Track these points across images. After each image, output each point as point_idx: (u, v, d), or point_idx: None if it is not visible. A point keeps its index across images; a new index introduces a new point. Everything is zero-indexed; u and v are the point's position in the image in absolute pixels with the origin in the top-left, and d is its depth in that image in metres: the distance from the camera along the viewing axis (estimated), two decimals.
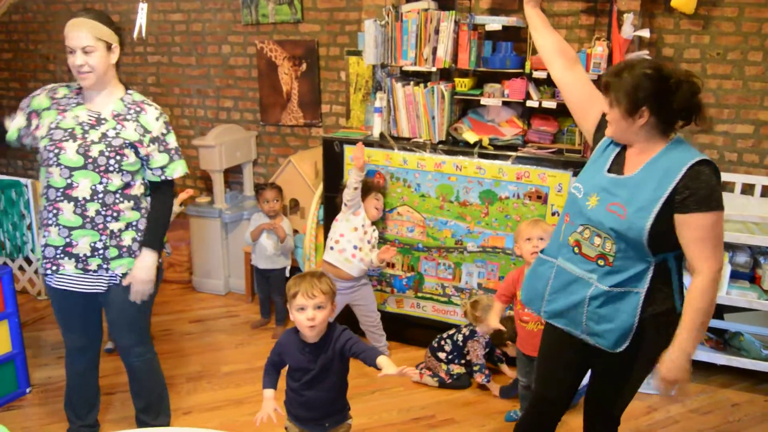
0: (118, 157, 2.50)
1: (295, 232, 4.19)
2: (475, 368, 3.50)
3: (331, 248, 3.60)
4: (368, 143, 3.73)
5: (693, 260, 1.98)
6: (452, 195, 3.59)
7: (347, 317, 3.72)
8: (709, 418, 3.30)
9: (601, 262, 2.09)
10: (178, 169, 2.69)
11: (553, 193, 3.38)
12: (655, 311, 2.07)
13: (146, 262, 2.63)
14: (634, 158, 2.08)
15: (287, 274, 4.07)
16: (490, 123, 3.70)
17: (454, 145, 3.60)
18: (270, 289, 4.11)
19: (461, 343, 3.52)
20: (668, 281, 2.09)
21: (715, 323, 3.72)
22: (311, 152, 4.38)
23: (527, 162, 3.40)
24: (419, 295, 3.86)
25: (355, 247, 3.53)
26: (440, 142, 3.64)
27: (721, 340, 3.71)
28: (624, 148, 2.12)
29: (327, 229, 3.91)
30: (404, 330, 3.98)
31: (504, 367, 3.62)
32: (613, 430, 2.39)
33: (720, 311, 3.72)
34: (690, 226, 1.95)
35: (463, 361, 3.55)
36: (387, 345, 3.81)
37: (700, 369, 3.66)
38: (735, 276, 3.45)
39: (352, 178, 3.53)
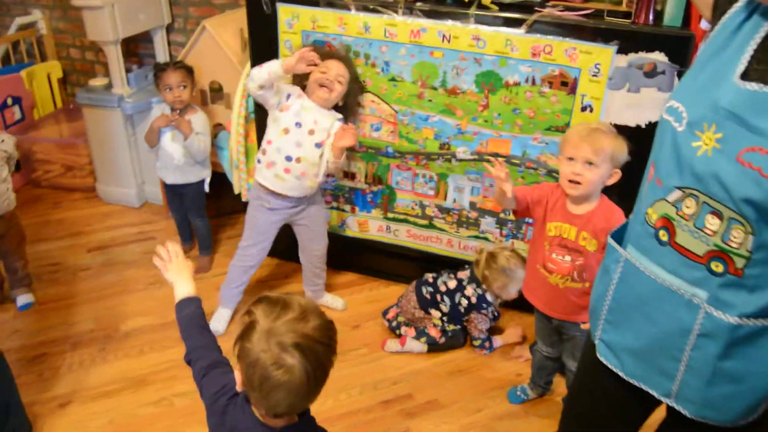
0: None
1: (219, 126, 3.05)
2: (475, 342, 2.56)
3: (258, 161, 2.50)
4: (313, 1, 2.52)
5: None
6: (436, 78, 2.46)
7: (287, 240, 2.72)
8: None
9: (717, 267, 1.07)
10: None
11: (586, 78, 2.26)
12: None
13: None
14: None
15: (206, 188, 2.97)
16: None
17: (439, 4, 2.42)
18: (187, 210, 3.03)
19: (463, 310, 2.54)
20: None
21: None
22: (236, 15, 3.13)
23: (548, 30, 2.25)
24: (389, 215, 2.83)
25: (289, 158, 2.42)
26: (418, 0, 2.45)
27: None
28: None
29: (260, 123, 2.79)
30: (369, 260, 3.00)
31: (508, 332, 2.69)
32: None
33: None
34: None
35: (459, 326, 2.61)
36: (323, 287, 2.86)
37: None
38: None
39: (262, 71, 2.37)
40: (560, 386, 2.37)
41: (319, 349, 1.19)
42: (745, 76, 1.02)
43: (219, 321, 2.67)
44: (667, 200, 1.12)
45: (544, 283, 2.01)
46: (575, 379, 1.57)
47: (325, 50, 2.48)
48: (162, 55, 3.68)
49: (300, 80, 2.51)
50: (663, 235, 1.14)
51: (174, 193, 2.96)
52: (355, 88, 2.51)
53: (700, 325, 1.12)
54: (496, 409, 2.33)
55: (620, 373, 1.29)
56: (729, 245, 1.05)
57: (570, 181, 1.85)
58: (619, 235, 1.32)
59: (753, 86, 1.00)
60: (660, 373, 1.22)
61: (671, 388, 1.20)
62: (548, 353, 2.21)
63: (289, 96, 2.45)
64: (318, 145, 2.44)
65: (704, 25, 2.18)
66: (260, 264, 2.70)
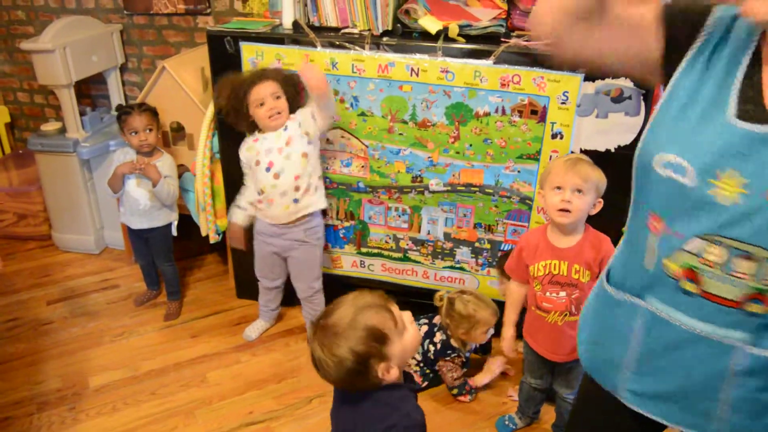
0: None
1: (182, 167, 2.97)
2: (453, 392, 2.48)
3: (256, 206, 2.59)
4: (277, 38, 2.50)
5: None
6: (406, 112, 2.46)
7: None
8: None
9: (755, 308, 1.04)
10: None
11: (555, 105, 2.29)
12: None
13: None
14: None
15: (174, 231, 2.89)
16: (455, 1, 2.52)
17: (406, 38, 2.42)
18: (154, 255, 2.93)
19: (433, 356, 2.48)
20: None
21: None
22: (195, 53, 3.08)
23: (516, 60, 2.28)
24: (363, 250, 2.80)
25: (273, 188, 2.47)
26: (385, 33, 2.45)
27: None
28: (757, 60, 1.01)
29: (226, 163, 2.74)
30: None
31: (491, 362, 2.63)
32: None
33: None
34: None
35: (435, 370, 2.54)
36: None
37: None
38: None
39: None
40: (548, 414, 2.36)
41: None
42: (741, 114, 0.99)
43: (253, 329, 2.83)
44: (685, 250, 1.07)
45: (544, 324, 1.99)
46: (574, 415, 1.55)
47: (245, 77, 2.41)
48: (116, 96, 3.59)
49: (248, 123, 2.46)
50: (689, 286, 1.08)
51: (139, 238, 2.86)
52: (291, 90, 2.44)
53: (739, 365, 1.08)
54: None
55: (656, 419, 1.22)
56: (765, 284, 1.01)
57: (560, 210, 1.86)
58: (619, 282, 1.24)
59: (755, 127, 0.97)
60: (699, 415, 1.17)
61: (714, 427, 1.16)
62: (537, 385, 2.20)
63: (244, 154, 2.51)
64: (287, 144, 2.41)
65: None
66: (275, 287, 2.75)
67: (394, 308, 1.42)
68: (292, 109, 2.45)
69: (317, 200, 2.51)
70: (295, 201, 2.44)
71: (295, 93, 2.46)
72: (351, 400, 1.45)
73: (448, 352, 2.42)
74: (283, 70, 2.46)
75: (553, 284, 1.93)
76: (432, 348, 2.45)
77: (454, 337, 2.41)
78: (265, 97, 2.35)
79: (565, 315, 1.94)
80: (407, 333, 1.42)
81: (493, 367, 2.54)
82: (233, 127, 2.49)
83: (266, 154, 2.41)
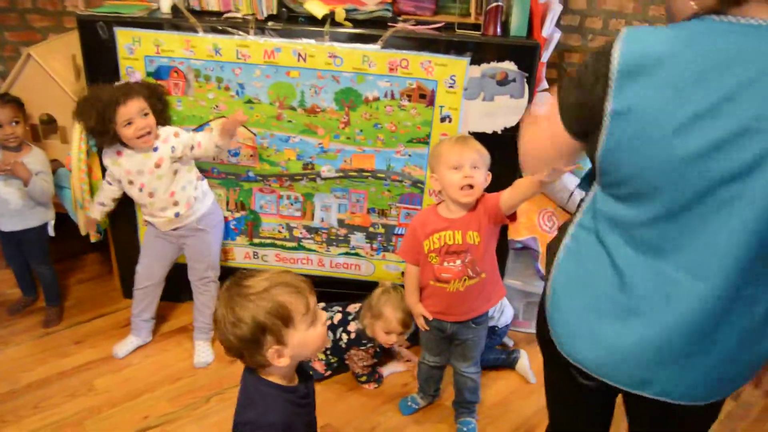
0: None
1: (55, 162, 2.76)
2: (361, 379, 2.49)
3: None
4: (155, 23, 2.38)
5: None
6: (294, 99, 2.41)
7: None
8: None
9: None
10: None
11: (443, 89, 2.33)
12: None
13: None
14: None
15: (51, 231, 2.69)
16: None
17: (292, 23, 2.37)
18: (28, 257, 2.72)
19: (345, 345, 2.44)
20: None
21: None
22: (64, 39, 2.87)
23: (403, 45, 2.29)
24: (255, 241, 2.74)
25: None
26: (270, 18, 2.39)
27: None
28: None
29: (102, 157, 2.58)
30: None
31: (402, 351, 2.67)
32: None
33: None
34: None
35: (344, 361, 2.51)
36: (204, 328, 2.66)
37: None
38: None
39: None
40: (448, 390, 2.41)
41: None
42: None
43: (122, 346, 2.61)
44: None
45: (445, 295, 2.01)
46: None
47: (110, 96, 2.23)
48: None
49: (111, 139, 2.30)
50: None
51: (11, 240, 2.63)
52: (158, 104, 2.34)
53: None
54: (389, 424, 2.32)
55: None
56: None
57: (464, 187, 1.87)
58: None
59: None
60: None
61: None
62: (435, 363, 2.24)
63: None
64: (158, 166, 2.33)
65: (545, 33, 2.34)
66: (155, 284, 2.59)
67: (312, 299, 1.36)
68: (159, 122, 2.35)
69: (200, 207, 2.47)
70: (177, 215, 2.41)
71: (162, 106, 2.38)
72: (243, 376, 1.41)
73: (363, 341, 2.39)
74: (148, 83, 2.37)
75: (449, 254, 1.96)
76: (345, 337, 2.41)
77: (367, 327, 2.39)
78: (132, 117, 2.23)
79: (465, 279, 1.97)
80: (314, 329, 1.36)
81: (399, 366, 2.59)
82: (97, 144, 2.41)
83: (137, 175, 2.34)
